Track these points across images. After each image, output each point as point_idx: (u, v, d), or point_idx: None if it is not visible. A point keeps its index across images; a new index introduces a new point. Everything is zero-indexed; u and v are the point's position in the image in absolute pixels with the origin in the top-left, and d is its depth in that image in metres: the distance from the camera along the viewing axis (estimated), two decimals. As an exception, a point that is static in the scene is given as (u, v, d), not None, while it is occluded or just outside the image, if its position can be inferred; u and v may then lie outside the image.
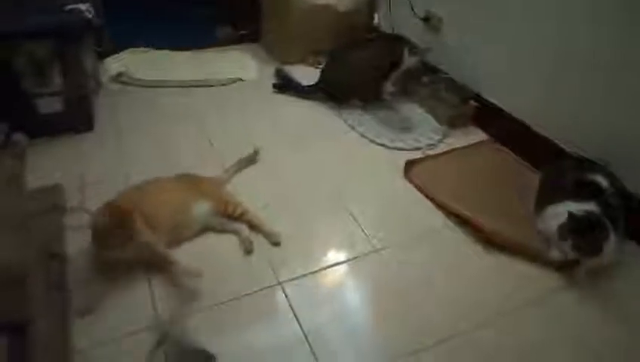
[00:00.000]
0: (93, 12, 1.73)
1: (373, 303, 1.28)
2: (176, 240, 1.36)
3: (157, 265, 1.28)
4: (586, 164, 1.47)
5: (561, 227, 1.30)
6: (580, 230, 1.26)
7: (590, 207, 1.30)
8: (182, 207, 1.37)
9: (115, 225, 1.17)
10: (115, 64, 2.26)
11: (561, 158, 1.60)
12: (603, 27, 1.46)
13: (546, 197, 1.46)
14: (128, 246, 1.20)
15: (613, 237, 1.27)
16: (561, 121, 1.67)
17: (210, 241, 1.40)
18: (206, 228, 1.42)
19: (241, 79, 2.30)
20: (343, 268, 1.36)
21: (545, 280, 1.35)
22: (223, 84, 2.25)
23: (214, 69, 2.33)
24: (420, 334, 1.18)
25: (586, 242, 1.27)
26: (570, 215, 1.27)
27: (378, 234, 1.47)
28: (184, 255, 1.32)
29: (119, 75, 2.20)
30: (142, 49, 2.44)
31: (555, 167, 1.56)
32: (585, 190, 1.37)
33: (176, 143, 1.81)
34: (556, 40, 1.62)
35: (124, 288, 1.24)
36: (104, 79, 2.18)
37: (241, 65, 2.42)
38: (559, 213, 1.33)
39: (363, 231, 1.48)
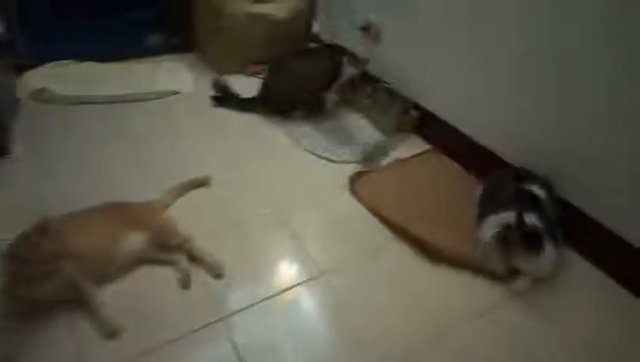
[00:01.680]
0: (2, 25, 1.57)
1: (320, 331, 1.23)
2: (106, 277, 1.25)
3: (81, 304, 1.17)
4: (524, 175, 1.50)
5: (495, 235, 1.31)
6: (511, 237, 1.28)
7: (529, 217, 1.32)
8: (111, 241, 1.26)
9: (36, 248, 1.08)
10: (34, 79, 2.08)
11: (501, 169, 1.63)
12: (544, 39, 1.48)
13: (487, 207, 1.48)
14: (50, 278, 1.10)
15: (550, 248, 1.30)
16: (500, 132, 1.71)
17: (145, 275, 1.30)
18: (140, 261, 1.32)
19: (176, 92, 2.18)
20: (289, 295, 1.30)
21: (489, 291, 1.36)
22: (157, 98, 2.12)
23: (147, 82, 2.19)
24: (372, 355, 1.16)
25: (517, 254, 1.29)
26: (503, 226, 1.29)
27: (323, 254, 1.43)
28: (114, 292, 1.22)
29: (40, 91, 2.02)
30: (65, 61, 2.26)
31: (495, 178, 1.58)
32: (522, 200, 1.40)
33: (106, 167, 1.68)
34: (497, 51, 1.64)
35: (42, 337, 1.12)
36: (22, 96, 1.99)
37: (176, 76, 2.30)
38: (497, 222, 1.35)
39: (309, 253, 1.43)
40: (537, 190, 1.43)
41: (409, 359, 1.16)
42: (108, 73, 2.25)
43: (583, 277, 1.44)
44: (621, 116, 1.33)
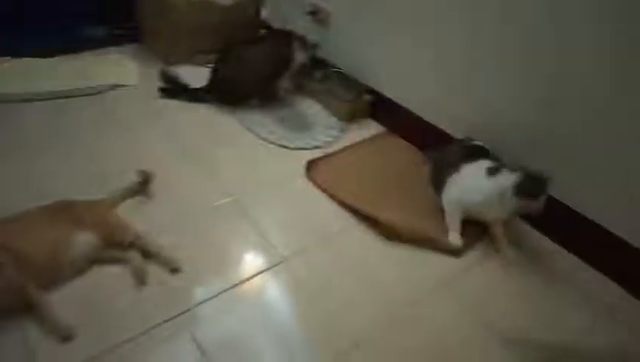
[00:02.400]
0: None
1: (285, 317, 1.23)
2: (56, 280, 1.19)
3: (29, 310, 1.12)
4: (471, 146, 1.54)
5: (516, 188, 1.31)
6: (536, 184, 1.31)
7: (490, 163, 1.41)
8: (58, 242, 1.20)
9: None
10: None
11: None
12: (491, 18, 1.51)
13: (444, 170, 1.51)
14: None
15: None
16: (450, 111, 1.75)
17: (98, 276, 1.24)
18: (92, 262, 1.26)
19: (121, 85, 2.09)
20: (251, 284, 1.29)
21: (447, 265, 1.40)
22: (100, 92, 2.02)
23: (90, 76, 2.08)
24: (337, 338, 1.17)
25: (537, 183, 1.31)
26: (522, 172, 1.32)
27: (284, 241, 1.42)
28: (66, 295, 1.17)
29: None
30: (2, 58, 2.10)
31: (444, 149, 1.62)
32: (475, 152, 1.48)
33: (47, 168, 1.58)
34: (447, 32, 1.67)
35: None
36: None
37: (120, 69, 2.20)
38: (472, 173, 1.41)
39: (268, 241, 1.42)
40: (482, 144, 1.51)
41: (375, 337, 1.18)
42: (45, 68, 2.11)
43: (541, 250, 1.51)
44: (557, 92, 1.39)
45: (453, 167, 1.47)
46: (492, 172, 1.37)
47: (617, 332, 1.27)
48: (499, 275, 1.39)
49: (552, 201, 1.37)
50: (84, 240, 1.24)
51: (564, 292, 1.36)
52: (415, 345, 1.18)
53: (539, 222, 1.52)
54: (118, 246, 1.28)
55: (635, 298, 1.36)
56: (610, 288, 1.39)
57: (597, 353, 1.21)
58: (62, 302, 1.15)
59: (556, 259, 1.47)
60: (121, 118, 1.89)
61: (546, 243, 1.52)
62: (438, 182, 1.54)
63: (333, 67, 2.14)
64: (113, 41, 2.41)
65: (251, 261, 1.37)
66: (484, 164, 1.41)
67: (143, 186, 1.51)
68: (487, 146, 1.51)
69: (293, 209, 1.56)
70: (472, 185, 1.40)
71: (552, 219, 1.42)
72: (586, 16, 1.27)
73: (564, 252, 1.49)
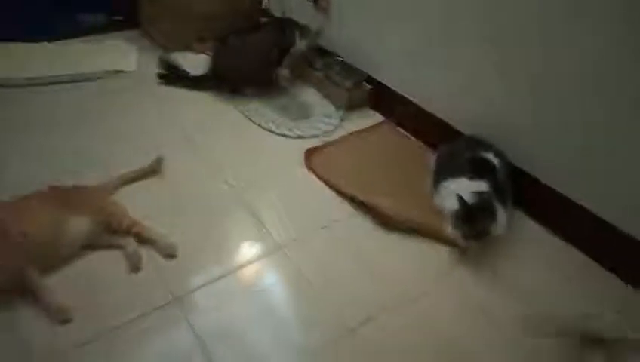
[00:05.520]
0: None
1: (281, 304, 1.22)
2: (52, 264, 1.18)
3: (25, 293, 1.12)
4: (478, 143, 1.53)
5: (454, 214, 1.33)
6: (469, 218, 1.30)
7: (481, 185, 1.35)
8: (54, 226, 1.19)
9: None
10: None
11: (455, 138, 1.65)
12: (499, 12, 1.48)
13: (442, 174, 1.50)
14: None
15: (502, 213, 1.33)
16: (452, 102, 1.72)
17: (93, 261, 1.24)
18: (88, 247, 1.25)
19: (119, 71, 2.07)
20: (246, 271, 1.28)
21: (445, 255, 1.39)
22: (98, 79, 2.01)
23: (87, 62, 2.07)
24: (334, 325, 1.16)
25: (474, 231, 1.31)
26: (461, 202, 1.30)
27: (282, 229, 1.41)
28: (61, 279, 1.17)
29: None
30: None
31: (450, 146, 1.60)
32: (477, 167, 1.42)
33: (43, 153, 1.58)
34: (448, 23, 1.64)
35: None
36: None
37: (119, 55, 2.18)
38: (454, 189, 1.37)
39: (267, 229, 1.41)
40: (492, 157, 1.46)
41: (370, 325, 1.18)
42: (46, 54, 2.10)
43: (533, 237, 1.49)
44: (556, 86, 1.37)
45: (450, 172, 1.45)
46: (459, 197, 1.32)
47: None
48: (493, 267, 1.38)
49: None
50: (80, 224, 1.23)
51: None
52: (415, 333, 1.17)
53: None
54: (113, 231, 1.27)
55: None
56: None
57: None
58: (57, 286, 1.15)
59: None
60: (119, 105, 1.87)
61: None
62: (433, 181, 1.53)
63: (334, 55, 2.12)
64: (112, 27, 2.39)
65: (249, 248, 1.36)
66: (466, 185, 1.37)
67: (150, 172, 1.51)
68: (494, 159, 1.45)
69: (292, 197, 1.55)
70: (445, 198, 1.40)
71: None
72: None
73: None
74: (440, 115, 1.77)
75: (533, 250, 1.45)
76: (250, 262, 1.31)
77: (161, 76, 2.04)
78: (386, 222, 1.45)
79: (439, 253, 1.40)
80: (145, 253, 1.26)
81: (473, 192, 1.33)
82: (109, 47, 2.24)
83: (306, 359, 1.10)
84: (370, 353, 1.12)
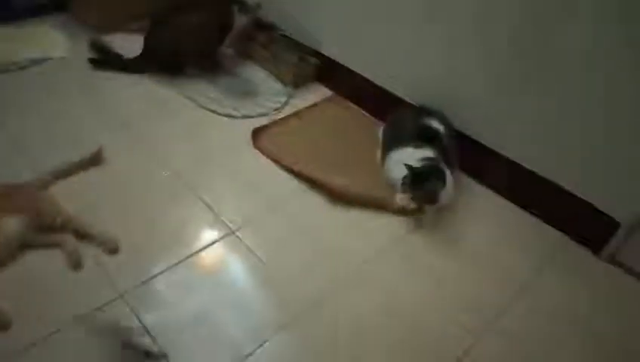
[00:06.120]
0: None
1: (239, 286, 1.20)
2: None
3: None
4: (423, 111, 1.53)
5: (402, 180, 1.34)
6: (418, 182, 1.31)
7: (428, 152, 1.36)
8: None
9: None
10: None
11: (401, 107, 1.65)
12: None
13: (390, 145, 1.50)
14: None
15: (450, 179, 1.35)
16: (396, 72, 1.71)
17: (30, 262, 1.16)
18: (25, 247, 1.17)
19: (48, 58, 1.93)
20: (198, 258, 1.24)
21: (395, 226, 1.40)
22: (23, 67, 1.86)
23: (11, 50, 1.91)
24: (295, 301, 1.16)
25: (424, 193, 1.33)
26: (409, 168, 1.31)
27: (232, 213, 1.37)
28: (-2, 283, 1.09)
29: None
30: None
31: (395, 117, 1.60)
32: (422, 135, 1.43)
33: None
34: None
35: None
36: None
37: (46, 40, 2.03)
38: (401, 159, 1.37)
39: (216, 213, 1.36)
40: (437, 125, 1.46)
41: (331, 297, 1.18)
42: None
43: (479, 200, 1.53)
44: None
45: (398, 142, 1.45)
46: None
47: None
48: (444, 235, 1.41)
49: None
50: (13, 224, 1.15)
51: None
52: (369, 304, 1.18)
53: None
54: (49, 229, 1.20)
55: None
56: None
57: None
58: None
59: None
60: (49, 94, 1.74)
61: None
62: (382, 153, 1.52)
63: (277, 30, 2.05)
64: (37, 10, 2.21)
65: (200, 234, 1.31)
66: (413, 154, 1.37)
67: (90, 163, 1.43)
68: (439, 126, 1.46)
69: (241, 178, 1.50)
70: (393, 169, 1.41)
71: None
72: None
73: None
74: (386, 85, 1.76)
75: (479, 210, 1.49)
76: (202, 248, 1.27)
77: (92, 61, 1.92)
78: (338, 197, 1.44)
79: (391, 225, 1.40)
80: (87, 249, 1.19)
81: (420, 159, 1.33)
82: (35, 32, 2.07)
83: (270, 338, 1.08)
84: (331, 324, 1.12)
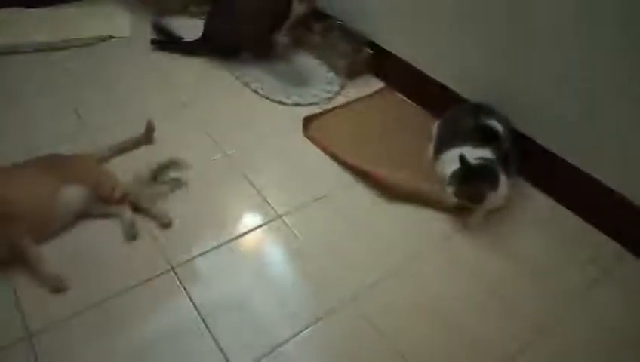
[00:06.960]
0: None
1: (282, 273, 1.20)
2: (44, 234, 1.16)
3: (20, 263, 1.09)
4: (482, 109, 1.48)
5: (452, 173, 1.30)
6: (467, 178, 1.27)
7: (485, 152, 1.31)
8: (46, 195, 1.16)
9: None
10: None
11: (459, 104, 1.60)
12: None
13: (445, 142, 1.46)
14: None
15: (504, 183, 1.29)
16: (455, 68, 1.66)
17: (88, 230, 1.22)
18: (83, 215, 1.23)
19: (111, 36, 2.00)
20: (244, 240, 1.26)
21: (445, 224, 1.37)
22: (90, 44, 1.94)
23: (78, 27, 2.00)
24: (336, 292, 1.15)
25: (468, 190, 1.28)
26: (462, 160, 1.27)
27: (280, 198, 1.38)
28: (57, 248, 1.15)
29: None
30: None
31: (453, 113, 1.55)
32: (481, 135, 1.38)
33: (35, 121, 1.53)
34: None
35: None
36: None
37: (110, 20, 2.11)
38: (456, 157, 1.33)
39: (264, 197, 1.38)
40: (496, 124, 1.41)
41: (370, 292, 1.16)
42: (34, 19, 2.02)
43: (536, 206, 1.46)
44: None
45: (454, 140, 1.40)
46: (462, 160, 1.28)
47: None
48: (492, 238, 1.36)
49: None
50: (73, 193, 1.20)
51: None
52: (413, 301, 1.16)
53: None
54: (107, 200, 1.24)
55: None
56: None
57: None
58: (51, 255, 1.13)
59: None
60: (112, 71, 1.82)
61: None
62: (435, 149, 1.49)
63: (334, 19, 2.04)
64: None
65: (247, 217, 1.33)
66: (471, 153, 1.31)
67: (145, 137, 1.48)
68: (498, 126, 1.40)
69: (290, 166, 1.51)
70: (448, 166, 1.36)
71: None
72: None
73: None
74: (443, 80, 1.71)
75: (532, 216, 1.43)
76: (247, 231, 1.28)
77: (154, 41, 1.97)
78: (387, 191, 1.42)
79: (439, 222, 1.37)
80: (141, 222, 1.23)
81: (476, 158, 1.29)
82: (102, 12, 2.16)
83: (310, 326, 1.08)
84: (373, 317, 1.11)
